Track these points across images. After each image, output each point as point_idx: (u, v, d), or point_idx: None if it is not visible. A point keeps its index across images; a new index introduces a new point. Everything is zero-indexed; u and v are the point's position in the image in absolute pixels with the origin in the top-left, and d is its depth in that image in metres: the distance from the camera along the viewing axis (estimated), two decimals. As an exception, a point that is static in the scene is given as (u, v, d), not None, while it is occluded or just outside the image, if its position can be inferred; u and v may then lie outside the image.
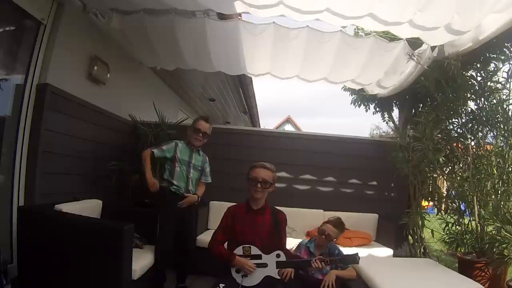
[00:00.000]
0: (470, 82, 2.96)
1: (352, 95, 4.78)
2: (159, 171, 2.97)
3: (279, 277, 1.89)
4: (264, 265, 1.90)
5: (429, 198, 3.58)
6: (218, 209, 3.40)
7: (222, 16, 3.02)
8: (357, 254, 1.96)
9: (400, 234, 3.40)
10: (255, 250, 1.92)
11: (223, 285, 1.85)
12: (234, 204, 2.16)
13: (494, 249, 2.62)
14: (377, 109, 4.70)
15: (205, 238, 3.10)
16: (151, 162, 2.55)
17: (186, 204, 2.52)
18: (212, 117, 8.38)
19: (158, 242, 2.45)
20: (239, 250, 1.93)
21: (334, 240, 2.31)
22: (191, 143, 2.61)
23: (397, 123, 4.58)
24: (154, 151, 2.54)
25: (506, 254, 2.47)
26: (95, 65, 3.14)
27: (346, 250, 2.38)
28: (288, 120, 20.38)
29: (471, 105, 2.99)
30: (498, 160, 2.79)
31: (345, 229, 2.39)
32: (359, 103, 4.73)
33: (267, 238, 1.99)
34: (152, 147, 2.59)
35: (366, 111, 4.76)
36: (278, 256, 1.91)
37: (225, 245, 2.06)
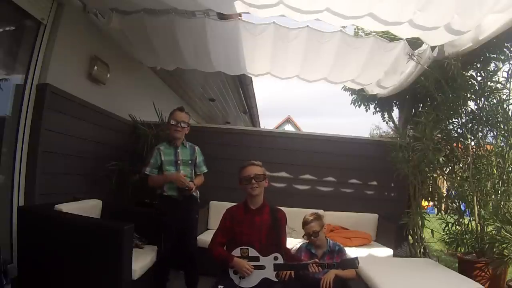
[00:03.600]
0: (470, 82, 2.96)
1: (352, 95, 4.78)
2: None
3: (276, 280, 1.89)
4: (262, 267, 1.90)
5: (429, 198, 3.58)
6: (218, 209, 3.39)
7: (222, 16, 3.02)
8: (356, 258, 1.95)
9: (400, 234, 3.40)
10: (253, 252, 1.92)
11: (222, 286, 1.85)
12: (233, 205, 2.16)
13: (494, 249, 2.62)
14: (377, 109, 4.71)
15: (205, 238, 3.09)
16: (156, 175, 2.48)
17: (191, 187, 2.42)
18: (212, 117, 8.45)
19: (161, 246, 2.43)
20: (236, 252, 1.92)
21: (323, 229, 2.30)
22: (172, 137, 2.50)
23: (397, 123, 4.58)
24: (149, 172, 2.45)
25: (506, 254, 2.47)
26: (95, 65, 3.14)
27: (346, 250, 2.38)
28: (288, 120, 20.38)
29: (471, 105, 2.99)
30: (498, 160, 2.79)
31: (321, 216, 2.36)
32: (359, 103, 4.73)
33: (265, 238, 1.99)
34: (144, 169, 2.47)
35: (366, 111, 4.77)
36: (276, 258, 1.91)
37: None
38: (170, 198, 2.44)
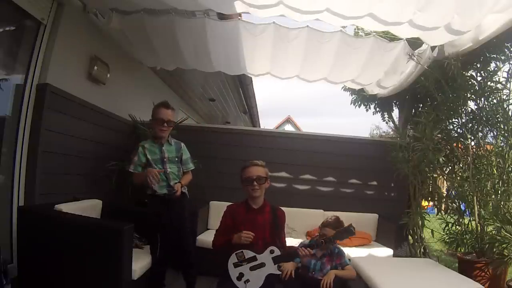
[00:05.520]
0: (470, 82, 2.96)
1: (352, 95, 4.78)
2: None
3: (280, 272, 1.88)
4: (263, 265, 1.89)
5: (429, 198, 3.58)
6: (218, 209, 3.39)
7: (222, 16, 3.02)
8: (350, 225, 1.94)
9: (400, 234, 3.40)
10: (248, 254, 1.91)
11: None
12: (232, 203, 2.16)
13: (494, 249, 2.62)
14: (377, 109, 4.71)
15: (205, 238, 3.10)
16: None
17: (178, 192, 2.35)
18: (212, 117, 8.46)
19: (156, 247, 2.37)
20: (233, 258, 1.91)
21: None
22: (157, 136, 2.38)
23: (397, 123, 4.58)
24: (133, 170, 2.38)
25: (506, 254, 2.47)
26: (95, 65, 3.14)
27: (345, 250, 2.38)
28: (288, 120, 20.41)
29: (471, 105, 2.99)
30: (498, 160, 2.79)
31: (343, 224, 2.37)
32: (359, 103, 4.73)
33: (269, 236, 2.00)
34: (128, 167, 2.41)
35: (366, 111, 4.77)
36: (272, 252, 1.89)
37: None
38: (160, 197, 2.36)
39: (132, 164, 2.39)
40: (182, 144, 2.52)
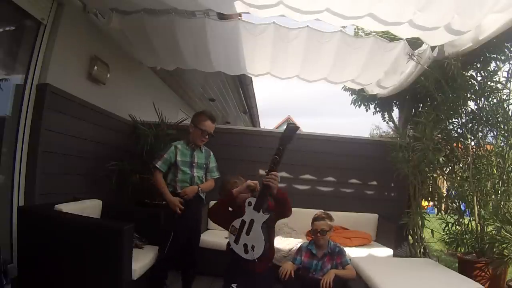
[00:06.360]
0: (470, 82, 2.96)
1: (352, 95, 4.78)
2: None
3: (268, 215, 1.82)
4: (252, 222, 1.82)
5: (429, 198, 3.58)
6: (218, 209, 3.39)
7: (222, 16, 3.02)
8: (291, 123, 1.89)
9: (400, 234, 3.40)
10: (237, 223, 1.86)
11: (235, 284, 1.83)
12: None
13: (494, 249, 2.62)
14: (377, 109, 4.70)
15: (205, 238, 3.10)
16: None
17: (188, 196, 2.39)
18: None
19: (165, 245, 2.37)
20: (230, 237, 1.87)
21: (331, 230, 2.32)
22: (194, 142, 2.49)
23: (397, 123, 4.58)
24: (159, 166, 2.40)
25: (506, 254, 2.47)
26: (95, 65, 3.14)
27: (346, 250, 2.38)
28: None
29: (471, 105, 2.99)
30: (498, 160, 2.79)
31: (332, 218, 2.38)
32: (359, 103, 4.73)
33: None
34: (155, 161, 2.42)
35: (366, 111, 4.77)
36: (250, 204, 1.84)
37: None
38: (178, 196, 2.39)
39: (160, 160, 2.42)
40: (211, 152, 2.65)
